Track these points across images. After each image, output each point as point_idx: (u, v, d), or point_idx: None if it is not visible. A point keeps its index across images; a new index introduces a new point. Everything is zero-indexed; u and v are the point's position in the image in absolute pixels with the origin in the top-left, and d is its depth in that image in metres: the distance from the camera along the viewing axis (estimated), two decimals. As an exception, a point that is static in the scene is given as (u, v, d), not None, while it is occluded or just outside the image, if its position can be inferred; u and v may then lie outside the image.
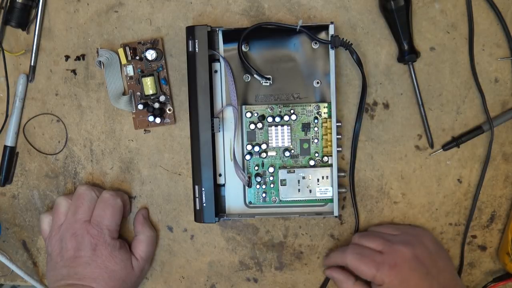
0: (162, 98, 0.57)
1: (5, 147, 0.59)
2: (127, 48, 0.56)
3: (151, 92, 0.56)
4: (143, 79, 0.56)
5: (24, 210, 0.61)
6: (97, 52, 0.57)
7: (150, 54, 0.55)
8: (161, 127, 0.58)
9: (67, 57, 0.58)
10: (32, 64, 0.58)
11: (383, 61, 0.55)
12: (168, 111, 0.57)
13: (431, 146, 0.55)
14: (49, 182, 0.60)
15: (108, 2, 0.57)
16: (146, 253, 0.57)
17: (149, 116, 0.57)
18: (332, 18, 0.55)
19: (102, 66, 0.57)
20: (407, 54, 0.53)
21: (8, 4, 0.57)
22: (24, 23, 0.58)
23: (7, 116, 0.59)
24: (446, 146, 0.55)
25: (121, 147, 0.59)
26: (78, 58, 0.58)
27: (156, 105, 0.57)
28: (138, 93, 0.57)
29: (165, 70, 0.57)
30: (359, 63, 0.53)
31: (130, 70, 0.57)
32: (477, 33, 0.54)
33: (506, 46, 0.54)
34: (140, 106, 0.57)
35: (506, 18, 0.53)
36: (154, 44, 0.57)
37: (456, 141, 0.55)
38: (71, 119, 0.59)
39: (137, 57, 0.57)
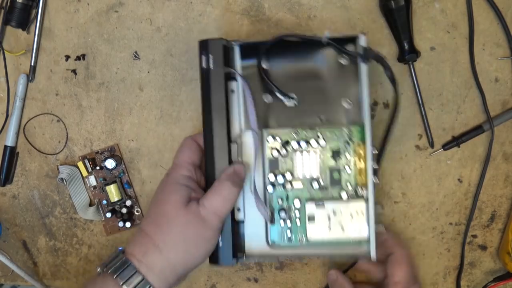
0: (128, 203, 0.59)
1: (5, 147, 0.59)
2: (86, 160, 0.58)
3: (116, 199, 0.58)
4: (106, 187, 0.58)
5: (25, 210, 0.61)
6: (58, 169, 0.59)
7: (110, 163, 0.57)
8: (160, 127, 0.58)
9: (67, 57, 0.58)
10: (32, 64, 0.58)
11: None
12: (136, 213, 0.59)
13: (431, 145, 0.55)
14: (49, 182, 0.60)
15: (108, 2, 0.57)
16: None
17: (119, 222, 0.58)
18: (332, 18, 0.55)
19: (65, 183, 0.58)
20: (408, 53, 0.53)
21: (8, 4, 0.57)
22: (24, 23, 0.58)
23: (7, 116, 0.59)
24: (446, 146, 0.55)
25: (122, 147, 0.59)
26: (78, 58, 0.58)
27: (124, 210, 0.59)
28: (104, 201, 0.59)
29: (126, 174, 0.59)
30: (392, 80, 0.47)
31: (92, 180, 0.59)
32: (477, 33, 0.54)
33: (506, 45, 0.54)
34: (109, 214, 0.58)
35: (506, 17, 0.53)
36: (111, 152, 0.58)
37: (456, 141, 0.55)
38: (72, 119, 0.59)
39: (97, 167, 0.58)
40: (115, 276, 0.45)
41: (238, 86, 0.49)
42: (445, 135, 0.55)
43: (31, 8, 0.58)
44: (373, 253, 0.46)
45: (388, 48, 0.55)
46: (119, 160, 0.58)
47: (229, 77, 0.49)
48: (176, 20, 0.57)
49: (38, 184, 0.61)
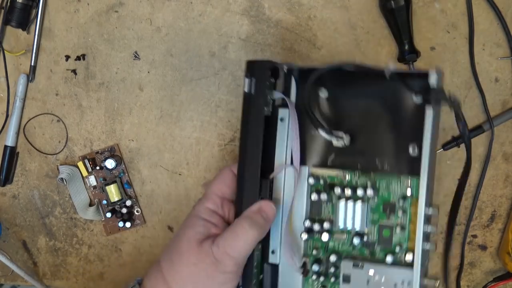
0: (128, 203, 0.59)
1: (5, 147, 0.59)
2: (86, 160, 0.58)
3: (116, 199, 0.58)
4: (106, 187, 0.58)
5: (25, 210, 0.61)
6: (58, 169, 0.59)
7: (110, 163, 0.57)
8: (160, 127, 0.58)
9: (67, 57, 0.58)
10: (32, 64, 0.58)
11: (384, 60, 0.55)
12: (136, 213, 0.59)
13: (432, 145, 0.55)
14: (49, 182, 0.60)
15: (108, 2, 0.57)
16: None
17: (119, 222, 0.58)
18: (332, 18, 0.55)
19: (65, 183, 0.58)
20: (408, 53, 0.53)
21: (8, 4, 0.57)
22: (24, 23, 0.58)
23: (7, 116, 0.59)
24: (446, 146, 0.55)
25: (121, 147, 0.59)
26: (78, 58, 0.58)
27: (124, 210, 0.59)
28: (104, 201, 0.59)
29: (126, 174, 0.59)
30: (464, 136, 0.40)
31: (92, 180, 0.59)
32: (477, 33, 0.54)
33: (506, 45, 0.54)
34: (109, 214, 0.58)
35: (506, 18, 0.53)
36: (111, 152, 0.58)
37: (456, 141, 0.55)
38: (72, 119, 0.59)
39: (97, 167, 0.58)
40: None
41: (289, 115, 0.43)
42: (445, 135, 0.55)
43: (31, 8, 0.58)
44: None
45: (388, 48, 0.55)
46: (119, 160, 0.58)
47: (282, 103, 0.44)
48: (176, 20, 0.57)
49: (38, 184, 0.61)
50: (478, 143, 0.55)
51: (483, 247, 0.57)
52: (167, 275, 0.42)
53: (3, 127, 0.59)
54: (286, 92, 0.43)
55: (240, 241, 0.41)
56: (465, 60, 0.54)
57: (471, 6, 0.53)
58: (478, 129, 0.54)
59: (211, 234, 0.43)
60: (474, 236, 0.56)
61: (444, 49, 0.54)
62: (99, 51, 0.58)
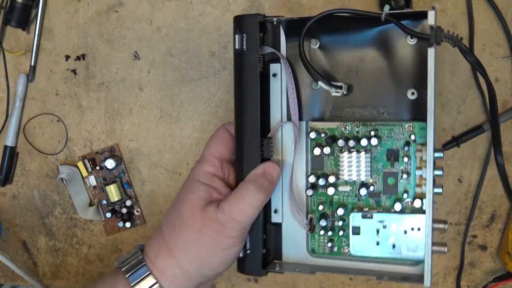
0: (128, 203, 0.58)
1: (5, 147, 0.59)
2: (86, 160, 0.58)
3: (116, 199, 0.58)
4: (106, 187, 0.58)
5: (24, 210, 0.61)
6: (58, 169, 0.59)
7: (110, 163, 0.57)
8: (160, 127, 0.58)
9: (67, 57, 0.58)
10: (32, 64, 0.58)
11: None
12: (136, 213, 0.59)
13: (432, 145, 0.55)
14: (49, 182, 0.60)
15: (108, 2, 0.57)
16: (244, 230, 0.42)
17: (119, 222, 0.58)
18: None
19: (65, 183, 0.58)
20: (407, 53, 0.53)
21: (8, 4, 0.57)
22: (24, 23, 0.58)
23: (7, 116, 0.59)
24: (446, 146, 0.55)
25: (121, 147, 0.59)
26: (78, 58, 0.58)
27: (124, 210, 0.59)
28: (104, 201, 0.59)
29: (126, 174, 0.58)
30: (477, 65, 0.38)
31: (92, 180, 0.59)
32: (477, 33, 0.54)
33: (506, 45, 0.54)
34: (108, 214, 0.58)
35: (506, 17, 0.53)
36: (111, 152, 0.58)
37: (456, 141, 0.55)
38: (71, 119, 0.59)
39: (97, 167, 0.58)
40: (127, 275, 0.41)
41: (281, 69, 0.42)
42: (445, 135, 0.55)
43: (31, 8, 0.58)
44: (427, 281, 0.38)
45: (388, 48, 0.55)
46: (119, 160, 0.58)
47: (272, 59, 0.43)
48: (176, 20, 0.57)
49: (38, 184, 0.61)
50: (478, 143, 0.55)
51: (483, 247, 0.57)
52: (170, 240, 0.42)
53: (3, 127, 0.59)
54: (276, 46, 0.42)
55: (247, 205, 0.40)
56: (465, 60, 0.54)
57: (471, 6, 0.53)
58: (478, 129, 0.54)
59: (213, 199, 0.42)
60: (474, 236, 0.56)
61: (444, 49, 0.54)
62: (99, 51, 0.58)
